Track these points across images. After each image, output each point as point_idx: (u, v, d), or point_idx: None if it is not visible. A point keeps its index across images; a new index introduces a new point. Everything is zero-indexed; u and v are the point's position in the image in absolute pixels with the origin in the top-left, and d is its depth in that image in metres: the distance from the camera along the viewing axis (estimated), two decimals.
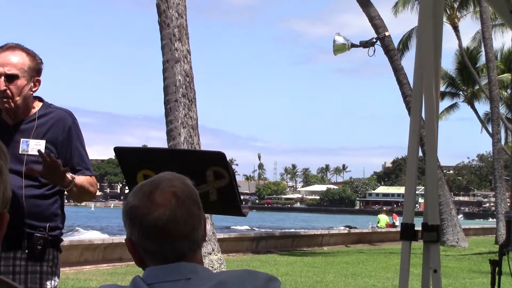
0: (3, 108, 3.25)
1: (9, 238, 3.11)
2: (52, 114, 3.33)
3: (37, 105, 3.34)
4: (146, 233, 1.73)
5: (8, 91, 3.20)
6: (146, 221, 1.72)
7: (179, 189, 1.76)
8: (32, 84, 3.28)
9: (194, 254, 1.78)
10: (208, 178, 3.01)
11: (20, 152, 3.23)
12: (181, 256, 1.75)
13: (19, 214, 3.16)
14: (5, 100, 3.22)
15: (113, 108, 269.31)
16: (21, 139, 3.25)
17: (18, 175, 3.19)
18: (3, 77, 3.20)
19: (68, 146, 3.33)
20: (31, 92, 3.30)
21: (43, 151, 3.24)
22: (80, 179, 3.29)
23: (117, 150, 3.21)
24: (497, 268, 4.51)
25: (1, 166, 1.23)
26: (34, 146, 3.25)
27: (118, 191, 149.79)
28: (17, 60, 3.22)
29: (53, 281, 3.27)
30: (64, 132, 3.31)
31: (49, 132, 3.28)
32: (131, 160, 3.22)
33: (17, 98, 3.23)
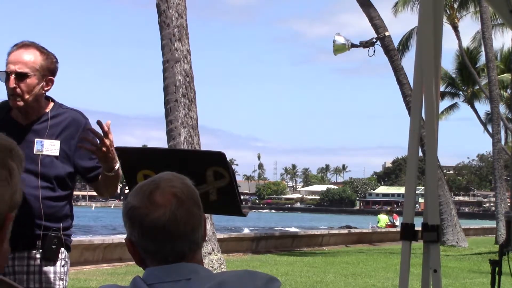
0: (14, 106, 3.22)
1: (24, 238, 3.12)
2: (65, 114, 3.30)
3: (49, 105, 3.32)
4: (146, 234, 1.73)
5: (18, 89, 3.18)
6: (146, 221, 1.72)
7: (179, 189, 1.76)
8: (45, 83, 3.25)
9: (194, 254, 1.78)
10: (208, 178, 3.01)
11: (34, 152, 3.21)
12: (181, 257, 1.75)
13: (34, 214, 3.16)
14: (14, 98, 3.20)
15: (113, 108, 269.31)
16: (36, 139, 3.23)
17: (33, 175, 3.18)
18: (13, 75, 3.17)
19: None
20: (43, 92, 3.26)
21: (57, 152, 3.23)
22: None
23: (117, 150, 3.21)
24: (497, 268, 4.51)
25: (12, 168, 1.18)
26: (49, 146, 3.23)
27: (118, 191, 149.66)
28: (28, 59, 3.19)
29: (64, 281, 3.28)
30: (79, 132, 3.27)
31: (63, 132, 3.26)
32: (131, 160, 3.22)
33: (27, 97, 3.20)
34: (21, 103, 3.20)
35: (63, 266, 3.26)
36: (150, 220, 1.71)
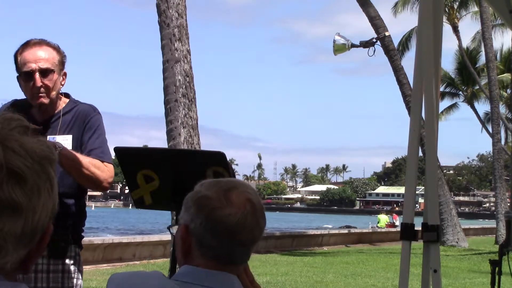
0: (37, 104, 3.19)
1: None
2: (76, 108, 3.28)
3: (64, 101, 3.30)
4: (211, 227, 1.69)
5: (44, 87, 3.16)
6: (215, 214, 1.69)
7: (255, 197, 1.75)
8: (62, 77, 3.25)
9: (240, 265, 1.76)
10: (208, 178, 3.00)
11: None
12: (232, 262, 1.73)
13: None
14: (41, 95, 3.16)
15: (113, 108, 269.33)
16: (48, 136, 3.18)
17: None
18: (37, 73, 3.14)
19: (87, 136, 3.23)
20: (61, 86, 3.26)
21: (70, 146, 3.17)
22: (81, 156, 3.14)
23: (117, 150, 3.20)
24: (497, 268, 4.50)
25: (52, 178, 1.14)
26: (61, 141, 3.17)
27: (118, 191, 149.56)
28: (47, 55, 3.17)
29: (76, 279, 3.22)
30: (84, 124, 3.24)
31: (73, 127, 3.23)
32: (131, 160, 3.21)
33: (53, 93, 3.18)
34: (46, 100, 3.17)
35: (73, 264, 3.20)
36: (220, 215, 1.69)
